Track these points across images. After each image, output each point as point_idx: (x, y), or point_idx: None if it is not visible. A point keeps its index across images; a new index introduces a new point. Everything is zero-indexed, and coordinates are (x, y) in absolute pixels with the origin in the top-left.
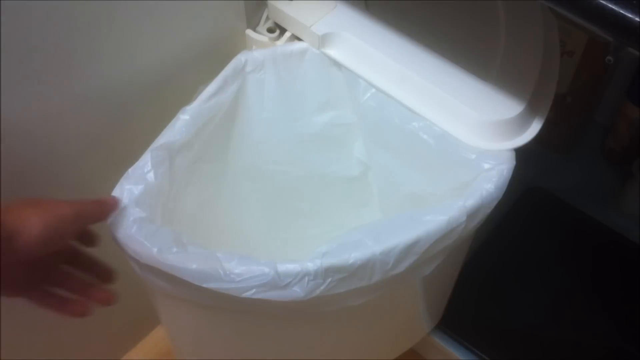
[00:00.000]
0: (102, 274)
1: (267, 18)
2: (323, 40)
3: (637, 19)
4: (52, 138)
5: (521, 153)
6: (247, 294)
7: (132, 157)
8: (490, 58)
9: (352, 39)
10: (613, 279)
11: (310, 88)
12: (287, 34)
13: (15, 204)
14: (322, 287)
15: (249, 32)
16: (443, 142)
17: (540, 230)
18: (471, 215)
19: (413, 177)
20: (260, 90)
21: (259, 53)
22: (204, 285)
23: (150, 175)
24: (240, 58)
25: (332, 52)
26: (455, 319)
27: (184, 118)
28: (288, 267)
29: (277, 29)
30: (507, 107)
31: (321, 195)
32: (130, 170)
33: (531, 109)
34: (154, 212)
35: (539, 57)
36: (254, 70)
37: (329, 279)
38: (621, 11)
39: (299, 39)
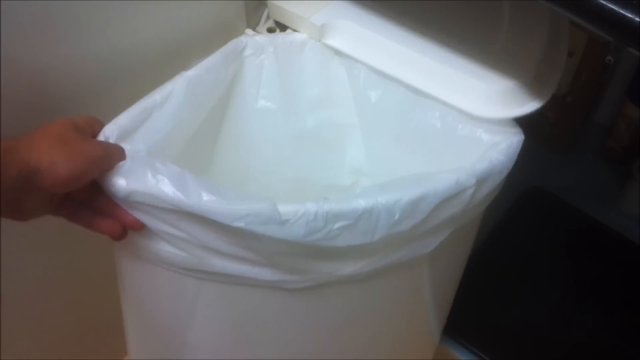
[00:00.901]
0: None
1: (267, 18)
2: (323, 30)
3: (637, 19)
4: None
5: (521, 153)
6: (241, 224)
7: None
8: (494, 33)
9: (351, 26)
10: (613, 279)
11: (308, 81)
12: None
13: (41, 137)
14: (322, 231)
15: (249, 32)
16: (449, 124)
17: (540, 230)
18: (481, 179)
19: (420, 167)
20: (258, 76)
21: (260, 37)
22: (202, 208)
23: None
24: (241, 39)
25: (332, 41)
26: (455, 319)
27: (180, 87)
28: (288, 206)
29: (277, 29)
30: (514, 74)
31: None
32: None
33: (539, 77)
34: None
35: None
36: (253, 53)
37: (331, 224)
38: (621, 11)
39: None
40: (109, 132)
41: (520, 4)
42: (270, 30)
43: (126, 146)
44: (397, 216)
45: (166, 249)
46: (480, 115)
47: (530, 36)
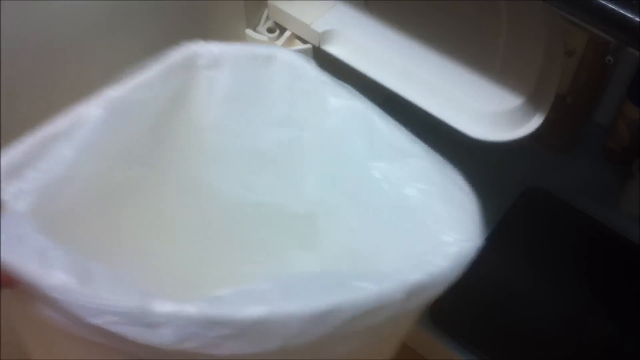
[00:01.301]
0: None
1: (267, 18)
2: (323, 37)
3: (637, 19)
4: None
5: (521, 153)
6: (98, 321)
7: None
8: (492, 51)
9: (352, 35)
10: (613, 279)
11: (270, 98)
12: (287, 34)
13: None
14: (199, 340)
15: (249, 32)
16: (403, 198)
17: (540, 230)
18: (412, 293)
19: (362, 232)
20: (210, 90)
21: (218, 48)
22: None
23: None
24: (192, 49)
25: (333, 49)
26: (455, 319)
27: (95, 114)
28: (165, 305)
29: (277, 29)
30: (510, 97)
31: (262, 228)
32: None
33: (534, 100)
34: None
35: (541, 50)
36: (207, 65)
37: (210, 332)
38: (621, 11)
39: (299, 38)
40: None
41: (518, 17)
42: (271, 31)
43: (10, 188)
44: (294, 331)
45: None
46: (475, 136)
47: (527, 53)
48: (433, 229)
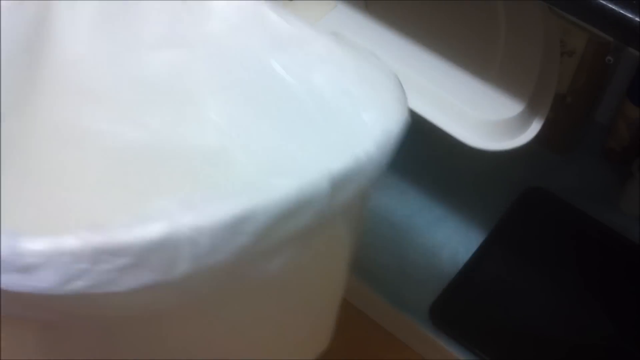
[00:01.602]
0: None
1: None
2: None
3: (637, 19)
4: None
5: (521, 153)
6: None
7: None
8: (490, 58)
9: (352, 39)
10: (613, 279)
11: (144, 14)
12: None
13: None
14: (89, 278)
15: None
16: (315, 90)
17: (540, 231)
18: (338, 182)
19: (281, 147)
20: (72, 16)
21: None
22: None
23: None
24: None
25: None
26: (455, 319)
27: None
28: (37, 243)
29: None
30: (507, 106)
31: (164, 171)
32: None
33: (531, 109)
34: None
35: (539, 57)
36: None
37: (102, 265)
38: (621, 11)
39: None
40: None
41: (516, 18)
42: None
43: None
44: (205, 247)
45: None
46: (474, 145)
47: (525, 55)
48: (351, 112)
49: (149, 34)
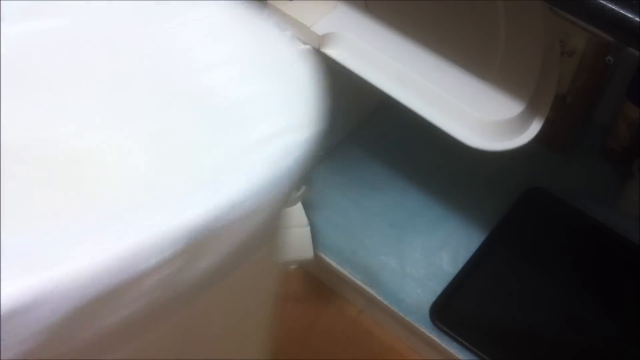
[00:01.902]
0: None
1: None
2: (323, 40)
3: (637, 19)
4: None
5: (521, 153)
6: None
7: None
8: (490, 58)
9: (352, 39)
10: (613, 279)
11: None
12: (287, 34)
13: None
14: None
15: None
16: (196, 81)
17: (540, 231)
18: (191, 244)
19: (160, 162)
20: None
21: None
22: None
23: None
24: None
25: (332, 52)
26: (455, 319)
27: None
28: None
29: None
30: (508, 107)
31: (12, 175)
32: None
33: (531, 109)
34: None
35: (539, 57)
36: None
37: None
38: (621, 11)
39: (299, 40)
40: None
41: (516, 18)
42: None
43: None
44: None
45: None
46: (474, 146)
47: (525, 55)
48: (242, 119)
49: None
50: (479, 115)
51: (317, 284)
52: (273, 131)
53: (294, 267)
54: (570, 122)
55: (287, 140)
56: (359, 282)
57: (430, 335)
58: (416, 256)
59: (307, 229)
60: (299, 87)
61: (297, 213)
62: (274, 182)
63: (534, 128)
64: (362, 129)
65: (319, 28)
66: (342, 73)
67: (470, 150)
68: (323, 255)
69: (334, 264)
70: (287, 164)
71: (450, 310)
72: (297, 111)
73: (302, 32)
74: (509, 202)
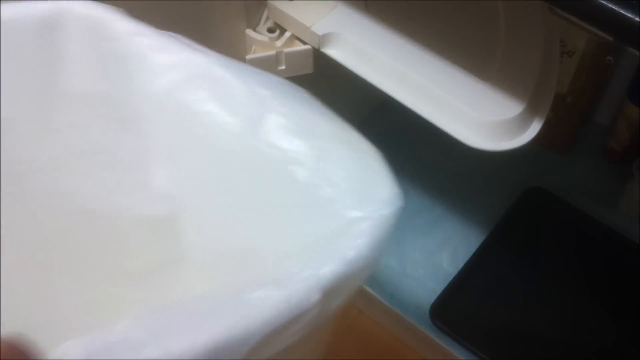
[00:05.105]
0: None
1: (267, 18)
2: (323, 40)
3: (637, 19)
4: None
5: (521, 153)
6: None
7: None
8: (490, 58)
9: (352, 39)
10: (613, 279)
11: (69, 70)
12: (287, 34)
13: None
14: None
15: (249, 31)
16: (289, 170)
17: (540, 231)
18: (330, 288)
19: (250, 224)
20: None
21: None
22: None
23: None
24: None
25: (332, 52)
26: (455, 319)
27: None
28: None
29: (277, 29)
30: (507, 107)
31: (108, 241)
32: None
33: (531, 109)
34: None
35: (539, 57)
36: None
37: None
38: (621, 11)
39: (299, 39)
40: None
41: (516, 18)
42: (271, 31)
43: None
44: None
45: None
46: (474, 146)
47: (525, 56)
48: (336, 203)
49: (71, 92)
50: (479, 115)
51: None
52: (365, 211)
53: None
54: (570, 122)
55: (377, 217)
56: None
57: (430, 335)
58: (416, 256)
59: None
60: (377, 173)
61: None
62: (374, 247)
63: (534, 128)
64: (362, 129)
65: (319, 28)
66: (342, 73)
67: (470, 150)
68: None
69: None
70: (380, 234)
71: (450, 310)
72: (381, 196)
73: (302, 32)
74: (509, 202)
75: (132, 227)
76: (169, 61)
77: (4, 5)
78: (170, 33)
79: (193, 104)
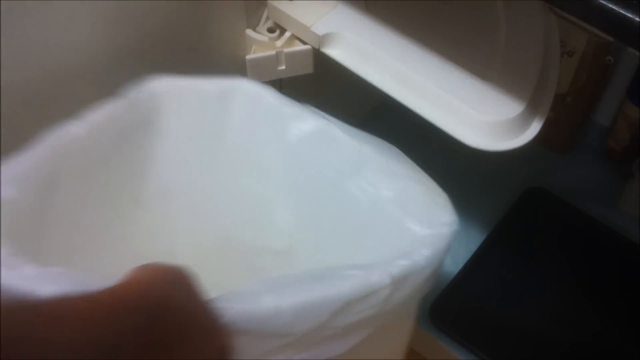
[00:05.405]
0: None
1: (267, 18)
2: (323, 40)
3: (637, 19)
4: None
5: (521, 153)
6: None
7: None
8: (490, 58)
9: (352, 38)
10: (613, 279)
11: (232, 132)
12: (287, 34)
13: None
14: None
15: (249, 31)
16: (378, 204)
17: (540, 230)
18: (399, 279)
19: (344, 251)
20: (171, 127)
21: (176, 85)
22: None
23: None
24: (154, 85)
25: (332, 52)
26: (455, 319)
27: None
28: None
29: (277, 29)
30: (508, 107)
31: (233, 265)
32: None
33: (531, 109)
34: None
35: (539, 57)
36: (169, 102)
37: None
38: (621, 11)
39: (299, 39)
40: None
41: (517, 18)
42: (271, 31)
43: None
44: (287, 319)
45: None
46: (474, 146)
47: (526, 56)
48: (409, 224)
49: (232, 146)
50: (479, 115)
51: None
52: (432, 230)
53: None
54: (570, 122)
55: (440, 233)
56: None
57: (431, 335)
58: None
59: None
60: (439, 201)
61: None
62: (434, 256)
63: (534, 128)
64: (362, 129)
65: (319, 28)
66: (342, 73)
67: (470, 150)
68: None
69: None
70: (440, 247)
71: (450, 310)
72: (441, 216)
73: (302, 32)
74: (509, 202)
75: (257, 255)
76: (301, 125)
77: (209, 81)
78: (305, 104)
79: (311, 156)
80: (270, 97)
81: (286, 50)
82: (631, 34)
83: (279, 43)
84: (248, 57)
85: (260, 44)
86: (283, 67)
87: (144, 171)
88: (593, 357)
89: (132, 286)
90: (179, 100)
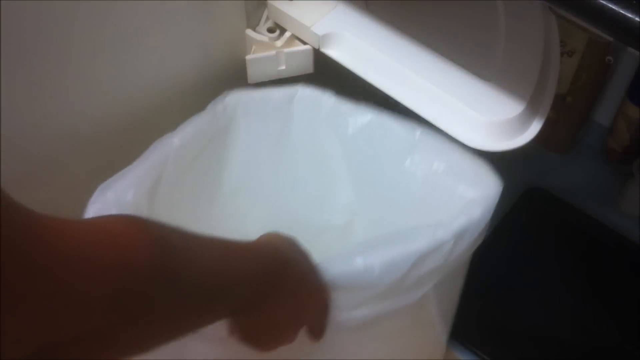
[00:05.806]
0: None
1: (267, 18)
2: (323, 40)
3: (637, 19)
4: (46, 145)
5: (521, 153)
6: None
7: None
8: (490, 58)
9: (352, 39)
10: (613, 279)
11: (296, 132)
12: (287, 34)
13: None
14: None
15: (249, 31)
16: (430, 176)
17: (540, 231)
18: (458, 234)
19: (401, 220)
20: (246, 132)
21: (249, 96)
22: None
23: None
24: (229, 99)
25: (332, 52)
26: (455, 319)
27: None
28: None
29: (277, 29)
30: (508, 107)
31: (309, 241)
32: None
33: (531, 109)
34: None
35: (539, 57)
36: (245, 111)
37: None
38: (621, 11)
39: (299, 39)
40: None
41: (517, 18)
42: (271, 31)
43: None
44: (375, 274)
45: None
46: (474, 146)
47: (525, 56)
48: (460, 189)
49: (299, 145)
50: (479, 115)
51: None
52: (480, 193)
53: None
54: (570, 122)
55: (487, 195)
56: None
57: None
58: None
59: None
60: (484, 170)
61: None
62: (484, 214)
63: (534, 128)
64: None
65: (319, 28)
66: (342, 73)
67: (470, 150)
68: None
69: None
70: (488, 205)
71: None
72: (487, 182)
73: (302, 32)
74: (509, 202)
75: (322, 231)
76: (357, 118)
77: (276, 89)
78: (360, 104)
79: (367, 144)
80: (328, 99)
81: (286, 50)
82: (631, 34)
83: (279, 43)
84: (248, 57)
85: (260, 44)
86: (283, 67)
87: (218, 173)
88: (593, 357)
89: (264, 243)
90: (250, 108)
